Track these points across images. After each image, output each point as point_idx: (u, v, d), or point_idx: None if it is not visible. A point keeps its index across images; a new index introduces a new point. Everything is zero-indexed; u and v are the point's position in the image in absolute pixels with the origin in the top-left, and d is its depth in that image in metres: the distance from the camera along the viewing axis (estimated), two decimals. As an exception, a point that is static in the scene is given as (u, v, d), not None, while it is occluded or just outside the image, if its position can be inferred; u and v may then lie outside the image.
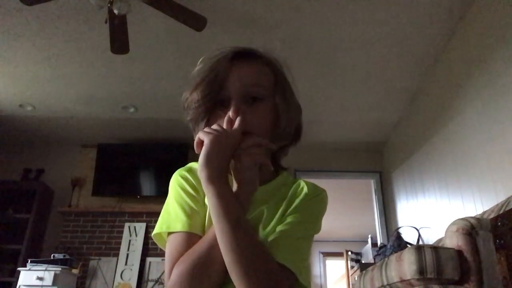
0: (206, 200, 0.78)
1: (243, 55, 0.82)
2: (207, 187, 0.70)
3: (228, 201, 0.69)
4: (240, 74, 0.79)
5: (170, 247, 0.75)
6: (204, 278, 0.69)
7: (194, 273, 0.68)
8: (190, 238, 0.74)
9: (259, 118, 0.78)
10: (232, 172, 0.74)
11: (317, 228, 0.82)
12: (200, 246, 0.71)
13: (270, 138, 0.80)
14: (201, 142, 0.72)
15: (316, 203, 0.83)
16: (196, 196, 0.81)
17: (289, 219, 0.77)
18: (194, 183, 0.82)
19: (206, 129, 0.72)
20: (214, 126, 0.73)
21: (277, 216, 0.79)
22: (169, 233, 0.78)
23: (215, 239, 0.69)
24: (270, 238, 0.75)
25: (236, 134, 0.72)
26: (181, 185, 0.83)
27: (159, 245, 0.83)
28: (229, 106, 0.77)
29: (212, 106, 0.79)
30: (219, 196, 0.68)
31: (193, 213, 0.78)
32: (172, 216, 0.79)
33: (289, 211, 0.79)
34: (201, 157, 0.70)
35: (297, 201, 0.81)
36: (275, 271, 0.68)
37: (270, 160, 0.78)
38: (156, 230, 0.79)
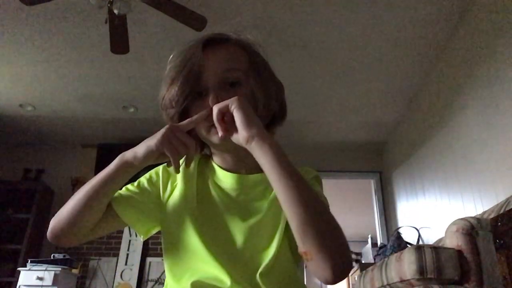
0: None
1: (214, 42, 0.81)
2: (263, 143, 0.67)
3: (285, 156, 0.67)
4: (214, 61, 0.78)
5: None
6: (76, 223, 0.75)
7: (65, 216, 0.76)
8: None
9: None
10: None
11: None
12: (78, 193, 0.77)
13: None
14: (206, 114, 0.73)
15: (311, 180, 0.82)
16: (148, 192, 0.84)
17: None
18: (159, 183, 0.85)
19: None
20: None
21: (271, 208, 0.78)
22: None
23: (89, 189, 0.75)
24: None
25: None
26: (148, 175, 0.87)
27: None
28: (208, 96, 0.76)
29: (191, 100, 0.77)
30: (278, 150, 0.66)
31: (129, 198, 0.82)
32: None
33: None
34: (243, 117, 0.68)
35: None
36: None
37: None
38: None
